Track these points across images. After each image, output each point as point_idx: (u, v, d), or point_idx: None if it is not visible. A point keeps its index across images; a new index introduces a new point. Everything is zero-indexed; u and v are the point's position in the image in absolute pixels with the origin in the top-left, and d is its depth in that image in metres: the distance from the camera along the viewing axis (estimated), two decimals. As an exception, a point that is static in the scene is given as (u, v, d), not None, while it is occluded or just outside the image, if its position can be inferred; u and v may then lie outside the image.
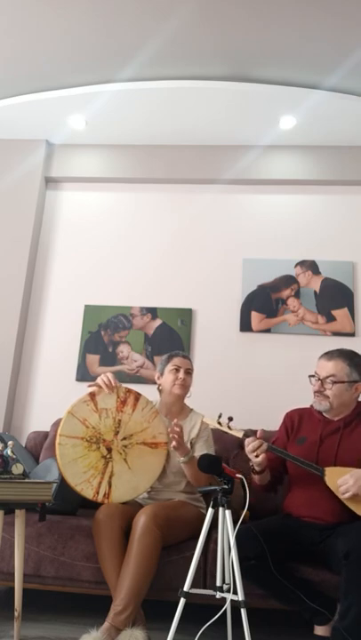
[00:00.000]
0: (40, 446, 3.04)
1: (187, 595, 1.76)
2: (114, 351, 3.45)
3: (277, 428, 2.40)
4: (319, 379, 2.16)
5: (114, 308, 3.52)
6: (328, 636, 1.86)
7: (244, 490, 2.37)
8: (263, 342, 3.40)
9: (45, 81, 3.32)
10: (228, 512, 1.82)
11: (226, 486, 1.84)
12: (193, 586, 2.07)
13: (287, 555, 2.02)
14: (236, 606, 1.81)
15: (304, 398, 2.75)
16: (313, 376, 2.21)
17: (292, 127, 3.47)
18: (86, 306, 3.55)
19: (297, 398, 3.16)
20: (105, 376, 2.30)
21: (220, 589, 1.80)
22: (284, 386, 3.30)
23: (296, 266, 3.49)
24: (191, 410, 2.53)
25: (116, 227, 3.72)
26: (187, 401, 2.55)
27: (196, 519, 2.23)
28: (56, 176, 3.76)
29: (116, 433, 2.25)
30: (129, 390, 2.33)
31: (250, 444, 2.03)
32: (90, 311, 3.53)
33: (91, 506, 2.27)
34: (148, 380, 3.36)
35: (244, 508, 1.99)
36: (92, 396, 2.26)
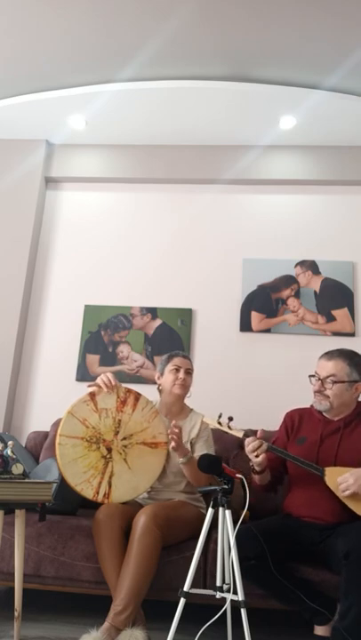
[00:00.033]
0: (40, 446, 3.04)
1: (187, 595, 1.76)
2: (114, 351, 3.45)
3: (277, 428, 2.40)
4: (319, 378, 2.16)
5: (114, 308, 3.52)
6: (328, 635, 1.86)
7: (244, 490, 2.37)
8: (263, 342, 3.40)
9: (45, 81, 3.32)
10: (228, 512, 1.82)
11: (226, 486, 1.83)
12: (193, 586, 2.07)
13: (287, 555, 2.02)
14: (236, 606, 1.81)
15: (304, 398, 2.75)
16: (313, 376, 2.21)
17: (292, 127, 3.47)
18: (86, 306, 3.55)
19: (297, 398, 3.16)
20: (105, 376, 2.30)
21: (220, 589, 1.80)
22: (284, 386, 3.30)
23: (296, 266, 3.49)
24: (191, 410, 2.53)
25: (116, 227, 3.72)
26: (187, 401, 2.55)
27: (196, 519, 2.23)
28: (56, 176, 3.76)
29: (116, 433, 2.25)
30: (129, 390, 2.33)
31: (250, 444, 2.03)
32: (90, 311, 3.53)
33: (91, 506, 2.27)
34: (148, 380, 3.36)
35: (244, 508, 1.99)
36: (92, 395, 2.26)
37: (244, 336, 3.42)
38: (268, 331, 3.39)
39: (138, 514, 2.07)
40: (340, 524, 2.00)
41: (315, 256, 3.52)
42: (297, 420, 2.27)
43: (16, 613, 1.94)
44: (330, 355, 2.18)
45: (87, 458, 2.17)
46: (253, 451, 2.02)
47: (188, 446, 2.38)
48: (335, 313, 3.37)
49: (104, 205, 3.77)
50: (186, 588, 1.77)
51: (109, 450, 2.22)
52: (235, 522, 1.85)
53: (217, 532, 2.15)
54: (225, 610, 1.95)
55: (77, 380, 3.41)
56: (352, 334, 3.32)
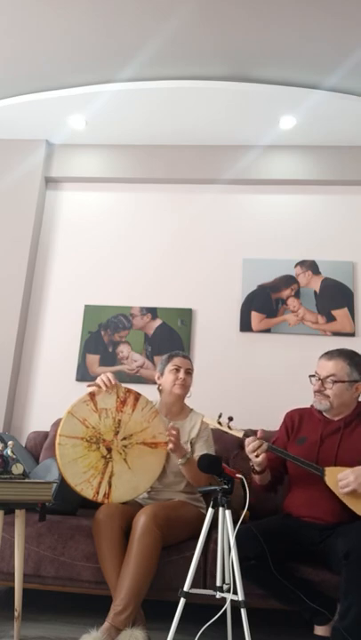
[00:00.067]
0: (40, 446, 3.04)
1: (187, 595, 1.76)
2: (114, 351, 3.45)
3: (277, 428, 2.40)
4: (320, 378, 2.16)
5: (114, 308, 3.52)
6: (328, 635, 1.86)
7: (244, 490, 2.37)
8: (263, 342, 3.40)
9: (45, 81, 3.32)
10: (228, 512, 1.82)
11: (226, 486, 1.83)
12: (193, 586, 2.07)
13: (287, 555, 2.02)
14: (236, 606, 1.81)
15: (304, 398, 2.75)
16: (313, 376, 2.21)
17: (292, 127, 3.47)
18: (86, 306, 3.55)
19: (297, 398, 3.15)
20: (105, 376, 2.30)
21: (220, 589, 1.80)
22: (284, 386, 3.30)
23: (296, 266, 3.49)
24: (191, 410, 2.53)
25: (116, 227, 3.72)
26: (187, 401, 2.55)
27: (196, 519, 2.23)
28: (56, 176, 3.76)
29: (116, 433, 2.25)
30: (129, 390, 2.33)
31: (250, 444, 2.03)
32: (90, 311, 3.53)
33: (91, 506, 2.27)
34: (148, 380, 3.36)
35: (244, 508, 1.99)
36: (92, 395, 2.26)
37: (244, 336, 3.42)
38: (268, 331, 3.39)
39: (138, 514, 2.07)
40: (340, 524, 2.00)
41: (315, 256, 3.52)
42: (297, 420, 2.27)
43: (16, 613, 1.94)
44: (330, 354, 2.18)
45: (87, 458, 2.17)
46: (253, 451, 2.02)
47: (188, 446, 2.38)
48: (335, 313, 3.37)
49: (104, 205, 3.77)
50: (186, 588, 1.77)
51: (109, 450, 2.22)
52: (235, 522, 1.85)
53: (217, 532, 2.15)
54: (225, 610, 1.95)
55: (77, 380, 3.41)
56: (352, 334, 3.32)
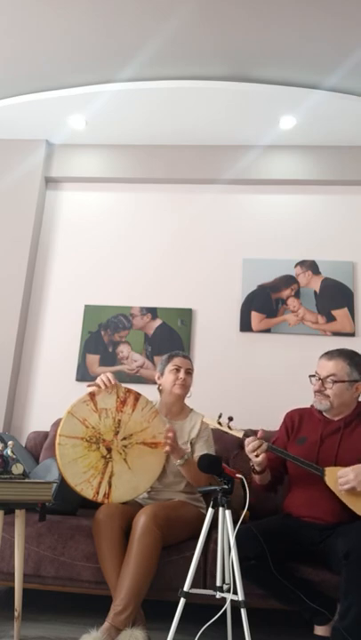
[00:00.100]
0: (40, 446, 3.04)
1: (187, 595, 1.76)
2: (114, 351, 3.45)
3: (277, 428, 2.40)
4: (320, 378, 2.16)
5: (114, 308, 3.52)
6: (328, 635, 1.86)
7: (244, 490, 2.37)
8: (263, 342, 3.40)
9: (45, 81, 3.32)
10: (228, 512, 1.82)
11: (226, 486, 1.83)
12: (193, 586, 2.07)
13: (287, 555, 2.02)
14: (236, 606, 1.81)
15: (304, 398, 2.74)
16: (313, 376, 2.21)
17: (292, 127, 3.47)
18: (86, 306, 3.55)
19: (297, 398, 3.15)
20: (104, 376, 2.30)
21: (220, 589, 1.80)
22: (284, 386, 3.30)
23: (296, 266, 3.49)
24: (191, 410, 2.53)
25: (116, 227, 3.72)
26: (187, 401, 2.55)
27: (196, 519, 2.23)
28: (56, 176, 3.76)
29: (116, 433, 2.25)
30: (129, 390, 2.33)
31: (250, 444, 2.03)
32: (90, 311, 3.53)
33: (91, 506, 2.27)
34: (148, 380, 3.36)
35: (244, 508, 1.99)
36: (92, 395, 2.26)
37: (244, 336, 3.42)
38: (268, 331, 3.39)
39: (138, 514, 2.07)
40: (340, 523, 2.00)
41: (315, 256, 3.52)
42: (297, 420, 2.27)
43: (16, 613, 1.94)
44: (330, 354, 2.18)
45: (87, 458, 2.17)
46: (253, 450, 2.02)
47: (188, 446, 2.38)
48: (335, 313, 3.37)
49: (104, 205, 3.77)
50: (186, 588, 1.77)
51: (109, 450, 2.22)
52: (235, 522, 1.85)
53: (217, 532, 2.15)
54: (225, 610, 1.95)
55: (77, 380, 3.41)
56: (352, 334, 3.32)
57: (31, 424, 3.40)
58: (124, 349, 3.44)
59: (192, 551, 2.11)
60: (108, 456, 2.21)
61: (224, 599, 1.80)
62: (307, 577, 2.01)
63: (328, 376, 2.13)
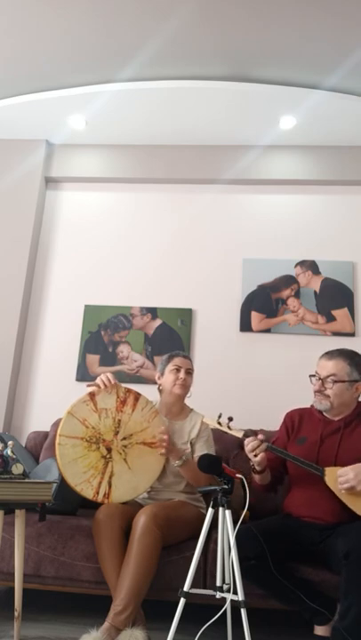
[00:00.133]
0: (40, 446, 3.04)
1: (187, 595, 1.76)
2: (114, 351, 3.45)
3: (277, 428, 2.40)
4: (320, 378, 2.16)
5: (114, 308, 3.52)
6: (328, 635, 1.86)
7: (244, 490, 2.37)
8: (263, 342, 3.40)
9: (45, 81, 3.32)
10: (228, 512, 1.82)
11: (226, 486, 1.83)
12: (193, 586, 2.07)
13: (287, 555, 2.02)
14: (236, 606, 1.81)
15: (304, 398, 2.75)
16: (313, 376, 2.21)
17: (292, 127, 3.47)
18: (86, 306, 3.55)
19: (297, 398, 3.15)
20: (104, 376, 2.30)
21: (220, 589, 1.80)
22: (284, 386, 3.30)
23: (296, 266, 3.49)
24: (191, 410, 2.53)
25: (116, 227, 3.72)
26: (187, 401, 2.55)
27: (196, 519, 2.23)
28: (56, 176, 3.76)
29: (116, 433, 2.25)
30: (129, 390, 2.33)
31: (249, 444, 2.03)
32: (90, 311, 3.53)
33: (91, 506, 2.27)
34: (148, 380, 3.36)
35: (244, 508, 1.99)
36: (92, 395, 2.26)
37: (244, 336, 3.42)
38: (268, 331, 3.39)
39: (138, 514, 2.07)
40: (340, 523, 2.00)
41: (315, 256, 3.52)
42: (297, 420, 2.27)
43: (16, 613, 1.94)
44: (330, 354, 2.18)
45: (87, 458, 2.17)
46: (252, 450, 2.02)
47: (188, 446, 2.38)
48: (335, 313, 3.37)
49: (104, 205, 3.77)
50: (186, 588, 1.77)
51: (109, 450, 2.22)
52: (235, 522, 1.85)
53: (217, 532, 2.15)
54: (225, 610, 1.95)
55: (77, 380, 3.41)
56: (352, 334, 3.32)
57: (31, 424, 3.40)
58: (124, 349, 3.44)
59: (192, 551, 2.11)
60: (107, 456, 2.21)
61: (224, 599, 1.80)
62: (307, 577, 2.01)
63: (328, 376, 2.13)
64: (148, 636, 1.88)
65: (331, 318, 3.36)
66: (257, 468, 2.08)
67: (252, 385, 3.32)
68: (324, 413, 2.21)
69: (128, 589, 1.91)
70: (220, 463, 1.90)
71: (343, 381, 2.12)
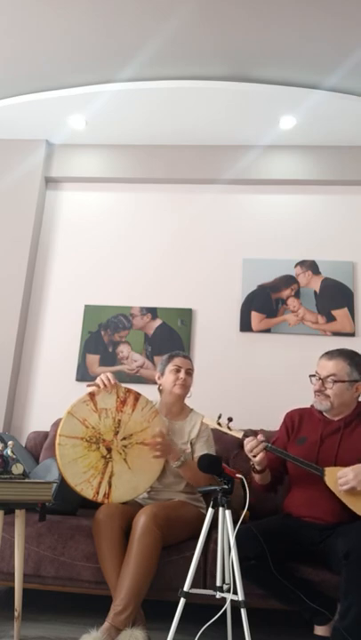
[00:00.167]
0: (40, 446, 3.04)
1: (187, 595, 1.76)
2: (114, 351, 3.45)
3: (277, 428, 2.40)
4: (320, 378, 2.16)
5: (114, 308, 3.52)
6: (328, 635, 1.86)
7: (244, 490, 2.36)
8: (263, 342, 3.40)
9: (45, 81, 3.32)
10: (228, 512, 1.82)
11: (226, 486, 1.83)
12: (193, 586, 2.07)
13: (287, 555, 2.02)
14: (236, 606, 1.81)
15: (304, 398, 2.74)
16: (314, 375, 2.21)
17: (292, 127, 3.47)
18: (86, 306, 3.55)
19: (297, 398, 3.15)
20: (104, 375, 2.30)
21: (220, 589, 1.80)
22: (284, 386, 3.30)
23: (296, 266, 3.49)
24: (191, 410, 2.53)
25: (116, 227, 3.72)
26: (187, 401, 2.55)
27: (196, 519, 2.23)
28: (56, 176, 3.76)
29: (116, 433, 2.25)
30: (129, 390, 2.33)
31: (248, 444, 2.03)
32: (90, 311, 3.53)
33: (91, 506, 2.27)
34: (148, 380, 3.36)
35: (244, 508, 1.99)
36: (92, 395, 2.26)
37: (244, 336, 3.42)
38: (268, 331, 3.39)
39: (138, 514, 2.07)
40: (340, 523, 2.00)
41: (315, 256, 3.52)
42: (297, 420, 2.27)
43: (16, 613, 1.94)
44: (330, 354, 2.18)
45: (87, 458, 2.17)
46: (251, 450, 2.02)
47: (188, 446, 2.38)
48: (335, 313, 3.37)
49: (104, 205, 3.77)
50: (186, 588, 1.77)
51: (109, 450, 2.22)
52: (235, 522, 1.85)
53: (217, 532, 2.15)
54: (225, 610, 1.95)
55: (77, 380, 3.41)
56: (352, 334, 3.32)
57: (31, 424, 3.40)
58: (124, 349, 3.44)
59: (192, 551, 2.11)
60: (107, 456, 2.21)
61: (224, 599, 1.80)
62: (307, 577, 2.01)
63: (328, 376, 2.13)
64: (148, 636, 1.88)
65: (331, 318, 3.36)
66: (257, 467, 2.09)
67: (252, 385, 3.32)
68: (324, 413, 2.21)
69: (128, 589, 1.91)
70: (220, 463, 1.90)
71: (343, 381, 2.12)
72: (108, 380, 2.29)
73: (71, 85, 3.33)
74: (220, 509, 1.84)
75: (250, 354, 3.38)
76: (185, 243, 3.64)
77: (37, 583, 2.20)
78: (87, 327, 3.50)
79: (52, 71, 3.22)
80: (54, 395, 3.43)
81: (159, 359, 3.20)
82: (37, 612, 2.29)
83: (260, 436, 2.05)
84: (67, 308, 3.59)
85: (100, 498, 2.15)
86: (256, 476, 2.15)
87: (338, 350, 2.19)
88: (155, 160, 3.72)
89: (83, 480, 2.14)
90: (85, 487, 2.14)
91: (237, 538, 1.88)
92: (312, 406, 2.26)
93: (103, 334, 3.48)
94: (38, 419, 3.40)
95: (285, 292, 3.44)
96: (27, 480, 1.94)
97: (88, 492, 2.14)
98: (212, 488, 1.87)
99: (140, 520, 2.03)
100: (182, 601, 1.76)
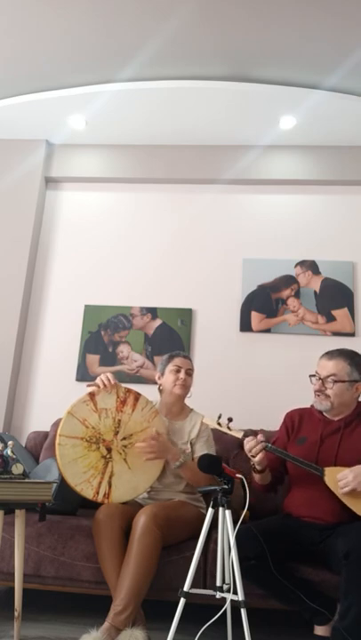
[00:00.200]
0: (40, 446, 3.04)
1: (187, 595, 1.76)
2: (114, 351, 3.45)
3: (277, 428, 2.40)
4: (320, 378, 2.16)
5: (114, 308, 3.52)
6: (328, 635, 1.86)
7: (244, 490, 2.37)
8: (263, 342, 3.40)
9: (45, 81, 3.32)
10: (228, 512, 1.82)
11: (226, 486, 1.83)
12: (193, 586, 2.07)
13: (287, 555, 2.02)
14: (236, 606, 1.81)
15: (304, 398, 2.75)
16: (314, 375, 2.21)
17: (292, 127, 3.47)
18: (86, 306, 3.55)
19: (297, 398, 3.15)
20: (104, 375, 2.30)
21: (220, 589, 1.80)
22: (284, 386, 3.30)
23: (296, 266, 3.49)
24: (191, 410, 2.53)
25: (116, 227, 3.72)
26: (187, 401, 2.55)
27: (196, 519, 2.23)
28: (56, 176, 3.76)
29: (116, 433, 2.25)
30: (129, 390, 2.33)
31: (248, 444, 2.03)
32: (90, 311, 3.53)
33: (91, 506, 2.27)
34: (148, 380, 3.36)
35: (244, 508, 1.99)
36: (92, 395, 2.26)
37: (244, 336, 3.42)
38: (268, 331, 3.39)
39: (138, 514, 2.07)
40: (341, 524, 2.00)
41: (315, 256, 3.52)
42: (297, 420, 2.27)
43: (16, 613, 1.94)
44: (330, 354, 2.18)
45: (87, 458, 2.17)
46: (250, 450, 2.02)
47: (188, 446, 2.38)
48: (335, 313, 3.37)
49: (104, 205, 3.77)
50: (186, 588, 1.77)
51: (109, 450, 2.22)
52: (235, 522, 1.85)
53: (217, 532, 2.15)
54: (225, 610, 1.95)
55: (77, 380, 3.41)
56: (352, 334, 3.32)
57: (31, 424, 3.40)
58: (124, 349, 3.44)
59: (192, 551, 2.11)
60: (107, 456, 2.21)
61: (224, 599, 1.80)
62: (307, 577, 2.01)
63: (328, 376, 2.13)
64: (148, 636, 1.88)
65: (331, 318, 3.36)
66: (257, 467, 2.09)
67: (252, 385, 3.32)
68: (324, 413, 2.21)
69: (128, 589, 1.91)
70: (220, 463, 1.90)
71: (343, 381, 2.12)
72: (108, 380, 2.29)
73: (71, 85, 3.33)
74: (220, 509, 1.84)
75: (250, 354, 3.38)
76: (185, 243, 3.64)
77: (37, 583, 2.20)
78: (87, 327, 3.50)
79: (52, 71, 3.22)
80: (54, 395, 3.43)
81: (159, 359, 3.20)
82: (37, 611, 2.29)
83: (259, 436, 2.04)
84: (67, 307, 3.59)
85: (99, 498, 2.15)
86: (256, 476, 2.15)
87: (338, 350, 2.19)
88: (155, 160, 3.72)
89: (83, 480, 2.14)
90: (85, 487, 2.14)
91: (237, 538, 1.88)
92: (312, 406, 2.26)
93: (103, 334, 3.48)
94: (38, 419, 3.40)
95: (285, 292, 3.44)
96: (27, 480, 1.94)
97: (88, 492, 2.14)
98: (212, 488, 1.87)
99: (140, 520, 2.03)
100: (182, 601, 1.76)
